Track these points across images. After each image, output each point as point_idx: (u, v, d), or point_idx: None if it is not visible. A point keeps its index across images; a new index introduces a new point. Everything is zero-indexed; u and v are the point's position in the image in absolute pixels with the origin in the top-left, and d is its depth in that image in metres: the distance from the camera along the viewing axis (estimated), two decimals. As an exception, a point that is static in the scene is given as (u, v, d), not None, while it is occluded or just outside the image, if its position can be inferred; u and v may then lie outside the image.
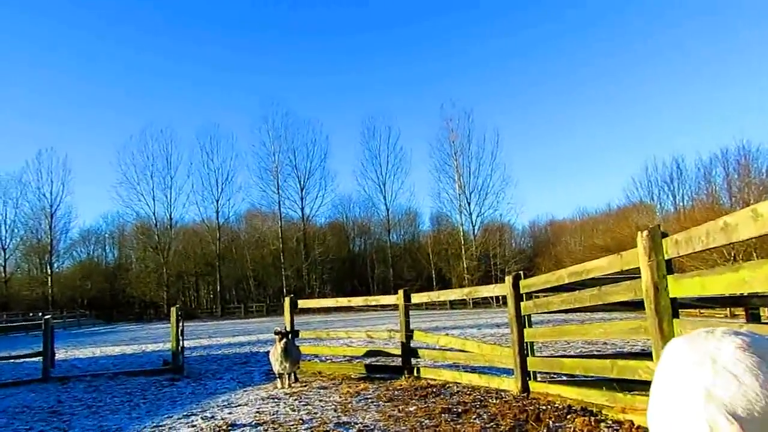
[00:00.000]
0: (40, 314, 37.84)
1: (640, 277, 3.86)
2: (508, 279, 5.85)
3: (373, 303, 9.31)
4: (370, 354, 8.54)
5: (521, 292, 5.74)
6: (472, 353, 6.57)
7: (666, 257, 3.65)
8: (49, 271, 54.88)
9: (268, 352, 8.59)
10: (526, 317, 5.71)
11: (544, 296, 6.17)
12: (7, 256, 53.86)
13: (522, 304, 5.69)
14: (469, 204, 56.53)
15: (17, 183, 54.58)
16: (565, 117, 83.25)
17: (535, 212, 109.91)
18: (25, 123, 77.84)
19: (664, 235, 3.72)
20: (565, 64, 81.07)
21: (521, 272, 6.08)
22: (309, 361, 9.09)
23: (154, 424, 5.29)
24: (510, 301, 5.75)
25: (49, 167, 55.37)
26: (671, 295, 3.62)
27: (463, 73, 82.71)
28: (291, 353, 7.05)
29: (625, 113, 78.43)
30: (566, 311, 7.73)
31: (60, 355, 13.18)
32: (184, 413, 5.76)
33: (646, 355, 4.85)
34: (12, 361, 12.54)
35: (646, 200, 49.51)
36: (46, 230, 54.87)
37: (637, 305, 4.76)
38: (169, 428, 5.06)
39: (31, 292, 52.85)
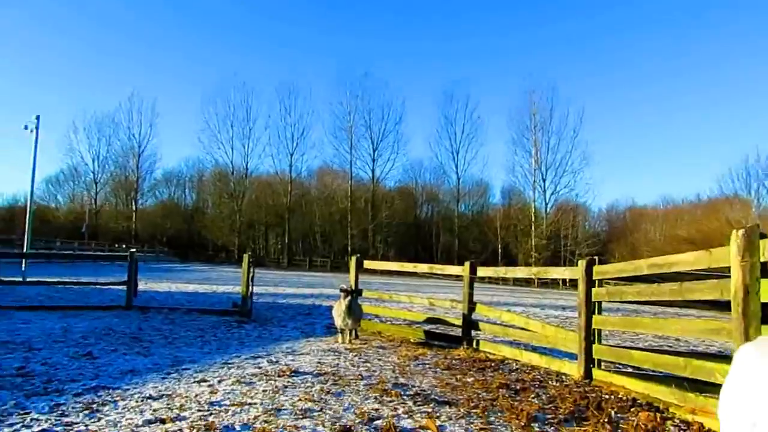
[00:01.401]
0: (124, 246, 40.89)
1: (728, 276, 3.66)
2: (582, 263, 5.70)
3: (438, 272, 9.36)
4: (430, 321, 8.66)
5: (594, 278, 5.59)
6: (535, 333, 6.51)
7: (762, 259, 3.44)
8: (134, 207, 59.02)
9: (330, 307, 8.90)
10: (596, 304, 5.57)
11: (615, 284, 5.98)
12: (98, 189, 58.33)
13: (593, 290, 5.54)
14: (543, 180, 54.94)
15: (111, 122, 58.57)
16: (656, 99, 78.22)
17: (614, 195, 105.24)
18: (121, 63, 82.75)
19: (763, 236, 3.49)
20: (662, 43, 75.59)
21: (596, 257, 5.92)
22: (369, 320, 9.35)
23: (224, 361, 5.67)
24: (581, 286, 5.62)
25: (139, 109, 58.94)
26: (763, 300, 3.42)
27: (550, 45, 79.40)
28: (354, 311, 7.29)
29: (724, 99, 72.61)
30: (638, 302, 7.48)
31: (140, 286, 14.24)
32: (251, 355, 6.13)
33: (723, 357, 4.62)
34: (98, 286, 13.72)
35: (743, 194, 46.05)
36: (133, 168, 58.86)
37: (718, 304, 4.52)
38: (237, 366, 5.40)
39: (117, 226, 57.14)
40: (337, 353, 6.47)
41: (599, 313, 5.56)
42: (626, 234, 56.12)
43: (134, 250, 11.39)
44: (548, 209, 55.36)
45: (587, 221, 61.90)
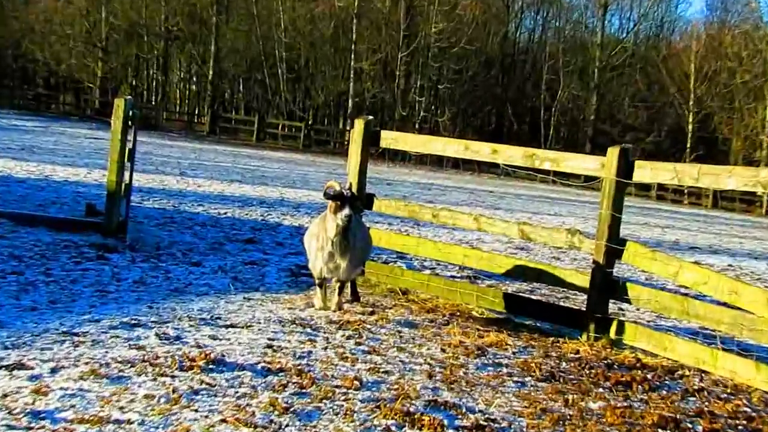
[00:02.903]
0: None
1: None
2: None
3: (545, 166, 9.29)
4: (517, 273, 8.74)
5: None
6: (749, 315, 6.54)
7: None
8: None
9: (301, 231, 9.00)
10: None
11: None
12: None
13: None
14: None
15: None
16: None
17: None
18: None
19: None
20: None
21: None
22: (386, 264, 9.49)
23: (64, 329, 5.81)
24: None
25: None
26: None
27: None
28: (353, 241, 7.31)
29: None
30: None
31: None
32: (123, 319, 6.28)
33: None
34: None
35: None
36: None
37: None
38: (94, 342, 5.54)
39: None
40: (310, 331, 6.61)
41: None
42: None
43: None
44: (808, 42, 54.25)
45: None
